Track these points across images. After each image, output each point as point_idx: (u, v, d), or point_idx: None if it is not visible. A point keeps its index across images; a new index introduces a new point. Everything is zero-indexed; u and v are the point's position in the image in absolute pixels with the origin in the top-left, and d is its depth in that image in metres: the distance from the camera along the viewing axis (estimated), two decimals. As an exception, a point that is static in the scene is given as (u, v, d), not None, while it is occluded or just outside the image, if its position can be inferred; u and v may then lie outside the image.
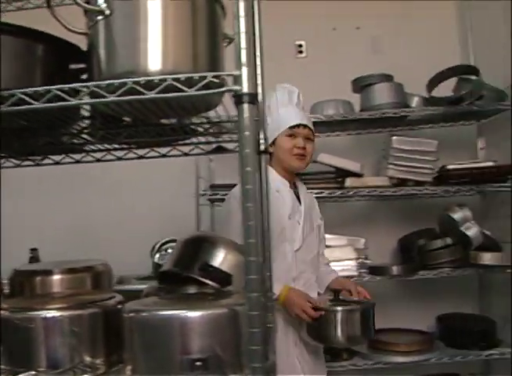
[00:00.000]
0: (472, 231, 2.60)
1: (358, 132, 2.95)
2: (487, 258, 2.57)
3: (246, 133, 0.94)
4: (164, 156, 1.59)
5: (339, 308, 1.85)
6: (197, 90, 0.97)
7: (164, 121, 1.38)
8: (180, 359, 0.97)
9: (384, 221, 3.05)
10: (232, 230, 1.87)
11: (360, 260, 2.64)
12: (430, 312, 2.94)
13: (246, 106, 0.94)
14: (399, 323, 2.85)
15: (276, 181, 2.03)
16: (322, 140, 2.98)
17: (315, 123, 2.70)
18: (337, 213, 3.04)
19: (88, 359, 1.11)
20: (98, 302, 1.17)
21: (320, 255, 2.20)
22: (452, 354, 2.62)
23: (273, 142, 2.03)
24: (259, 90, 1.57)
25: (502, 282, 2.79)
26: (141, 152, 1.60)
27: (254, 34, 1.61)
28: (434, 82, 2.67)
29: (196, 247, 1.43)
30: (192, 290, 1.35)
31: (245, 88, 0.94)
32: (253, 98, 0.94)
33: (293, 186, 2.11)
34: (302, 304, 1.82)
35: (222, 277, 1.33)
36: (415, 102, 2.74)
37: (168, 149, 1.59)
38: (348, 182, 2.58)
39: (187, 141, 1.53)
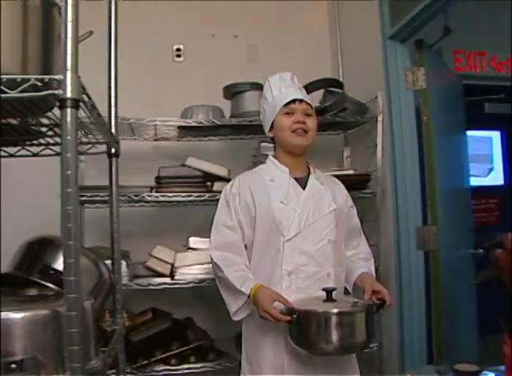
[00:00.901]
0: (333, 235, 2.75)
1: (231, 138, 3.03)
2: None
3: (69, 138, 0.95)
4: (11, 156, 1.56)
5: (307, 309, 1.67)
6: (22, 92, 0.98)
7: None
8: (-4, 362, 0.96)
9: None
10: None
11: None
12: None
13: (68, 110, 0.96)
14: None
15: (274, 170, 1.99)
16: (194, 144, 3.04)
17: (184, 127, 2.76)
18: (208, 217, 3.08)
19: None
20: None
21: (352, 248, 2.06)
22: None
23: (272, 126, 1.99)
24: (112, 93, 1.60)
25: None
26: (-13, 151, 1.56)
27: (110, 36, 1.64)
28: (301, 93, 2.80)
29: (40, 250, 1.42)
30: (32, 292, 1.33)
31: (68, 93, 0.96)
32: (76, 103, 0.96)
33: (306, 171, 2.01)
34: (266, 306, 1.69)
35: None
36: (284, 111, 2.85)
37: (18, 148, 1.57)
38: (216, 186, 2.64)
39: (35, 141, 1.52)
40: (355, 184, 2.78)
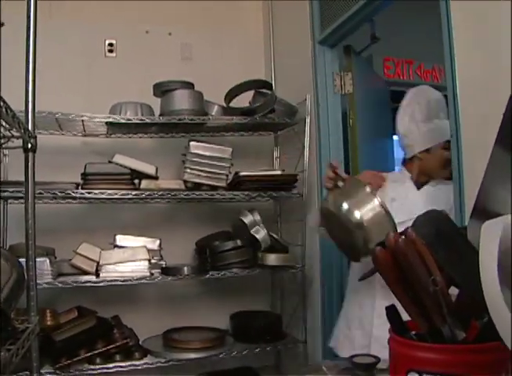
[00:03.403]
0: (260, 234, 2.80)
1: (161, 136, 3.02)
2: (272, 258, 2.78)
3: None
4: None
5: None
6: None
7: None
8: None
9: (184, 223, 3.15)
10: None
11: (154, 261, 2.69)
12: (226, 311, 3.08)
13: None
14: (195, 322, 2.96)
15: (400, 176, 2.10)
16: (125, 141, 3.02)
17: (113, 124, 2.74)
18: (136, 214, 3.09)
19: None
20: None
21: None
22: (240, 348, 2.76)
23: (427, 150, 1.99)
24: (30, 88, 1.57)
25: (289, 281, 3.05)
26: None
27: (28, 29, 1.61)
28: (231, 93, 2.83)
29: None
30: None
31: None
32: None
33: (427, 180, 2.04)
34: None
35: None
36: (214, 110, 2.86)
37: None
38: (143, 183, 2.62)
39: None
40: (281, 184, 2.83)
